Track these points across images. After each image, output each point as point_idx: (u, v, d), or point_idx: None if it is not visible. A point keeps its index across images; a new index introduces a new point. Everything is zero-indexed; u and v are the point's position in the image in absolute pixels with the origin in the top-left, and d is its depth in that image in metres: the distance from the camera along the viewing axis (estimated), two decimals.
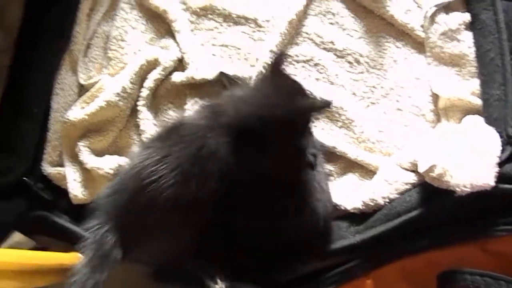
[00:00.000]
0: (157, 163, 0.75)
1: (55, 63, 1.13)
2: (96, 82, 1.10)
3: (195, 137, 0.78)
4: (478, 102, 1.00)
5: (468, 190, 0.81)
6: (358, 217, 0.97)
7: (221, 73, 1.04)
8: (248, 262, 0.90)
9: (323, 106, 0.82)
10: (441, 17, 1.06)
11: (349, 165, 1.04)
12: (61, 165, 1.07)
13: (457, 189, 0.81)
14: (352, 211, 0.97)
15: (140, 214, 0.76)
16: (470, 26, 1.05)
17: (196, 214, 0.79)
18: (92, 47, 1.16)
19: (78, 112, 1.06)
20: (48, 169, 1.07)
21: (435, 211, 0.90)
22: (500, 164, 0.84)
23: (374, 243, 0.92)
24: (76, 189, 1.03)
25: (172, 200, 0.74)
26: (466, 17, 1.05)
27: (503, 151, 0.86)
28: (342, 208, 0.98)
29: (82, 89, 1.13)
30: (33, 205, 1.04)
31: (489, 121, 0.94)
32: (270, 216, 0.87)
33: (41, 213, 1.03)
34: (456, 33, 1.05)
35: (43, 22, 1.14)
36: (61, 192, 1.06)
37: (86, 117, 1.05)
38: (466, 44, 1.04)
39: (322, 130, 1.06)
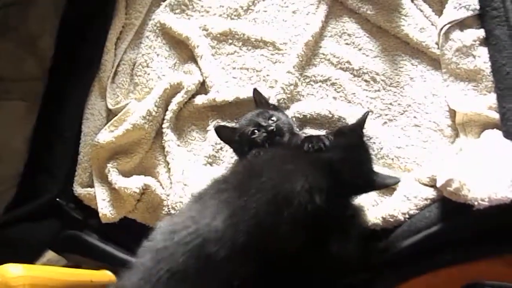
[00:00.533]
0: (233, 212, 0.76)
1: (86, 90, 1.21)
2: (123, 107, 1.16)
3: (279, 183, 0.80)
4: (496, 116, 1.00)
5: (486, 204, 0.80)
6: (379, 234, 0.97)
7: (255, 90, 1.08)
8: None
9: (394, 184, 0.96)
10: (456, 34, 1.08)
11: None
12: (91, 186, 1.13)
13: (475, 203, 0.81)
14: (372, 227, 0.98)
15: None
16: (485, 42, 1.06)
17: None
18: (119, 73, 1.23)
19: (106, 135, 1.11)
20: (79, 189, 1.13)
21: (456, 226, 0.90)
22: None
23: (396, 259, 0.93)
24: (105, 209, 1.08)
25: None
26: (481, 33, 1.06)
27: None
28: None
29: (111, 114, 1.20)
30: (65, 225, 1.09)
31: (507, 134, 0.94)
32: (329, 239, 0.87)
33: (73, 232, 1.09)
34: (471, 49, 1.06)
35: (74, 52, 1.21)
36: (91, 211, 1.11)
37: (114, 139, 1.10)
38: (481, 59, 1.05)
39: None
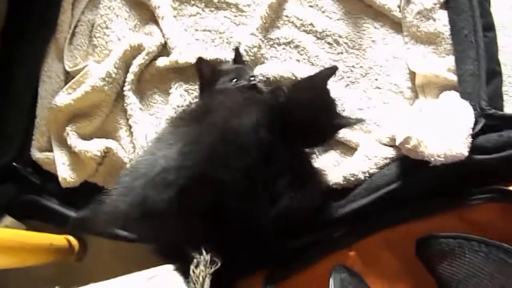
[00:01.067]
0: (191, 144, 0.79)
1: (41, 51, 1.15)
2: (82, 69, 1.12)
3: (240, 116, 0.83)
4: (454, 78, 1.02)
5: (442, 160, 0.84)
6: (340, 192, 1.00)
7: (236, 48, 1.09)
8: (243, 237, 0.89)
9: (357, 123, 1.01)
10: None
11: (331, 143, 1.07)
12: (50, 150, 1.10)
13: (432, 159, 0.84)
14: (334, 186, 1.00)
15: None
16: (445, 5, 1.08)
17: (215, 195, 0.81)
18: (77, 35, 1.18)
19: (64, 98, 1.08)
20: (37, 154, 1.09)
21: (413, 183, 0.93)
22: (474, 136, 0.87)
23: (356, 216, 0.95)
24: (64, 172, 1.05)
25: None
26: None
27: (476, 123, 0.89)
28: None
29: (69, 76, 1.15)
30: (22, 190, 1.06)
31: (464, 95, 0.97)
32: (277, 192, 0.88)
33: (31, 197, 1.06)
34: (432, 12, 1.08)
35: (29, 12, 1.16)
36: (50, 176, 1.08)
37: (73, 102, 1.07)
38: (441, 22, 1.07)
39: None
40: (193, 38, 1.15)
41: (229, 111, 0.86)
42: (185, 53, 1.11)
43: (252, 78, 1.01)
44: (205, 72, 1.04)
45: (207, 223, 0.81)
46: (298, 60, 1.12)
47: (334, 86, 1.08)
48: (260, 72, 1.09)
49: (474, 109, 0.91)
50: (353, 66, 1.11)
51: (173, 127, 0.88)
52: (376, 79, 1.10)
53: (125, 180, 0.81)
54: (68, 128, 1.07)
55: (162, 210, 0.75)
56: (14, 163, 1.06)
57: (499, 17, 1.07)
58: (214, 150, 0.79)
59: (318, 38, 1.13)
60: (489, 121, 0.90)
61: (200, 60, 1.04)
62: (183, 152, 0.77)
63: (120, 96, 1.12)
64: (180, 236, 0.81)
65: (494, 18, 1.05)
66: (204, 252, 0.79)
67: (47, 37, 1.16)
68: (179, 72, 1.12)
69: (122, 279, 0.77)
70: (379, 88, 1.09)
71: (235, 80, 0.99)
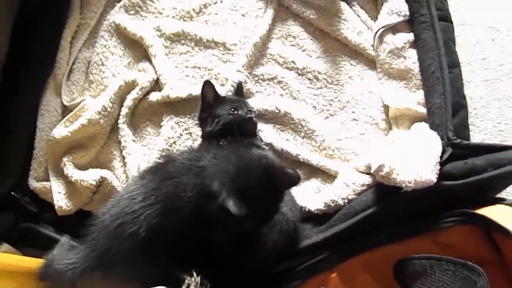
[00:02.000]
0: (147, 195, 0.85)
1: (40, 87, 1.22)
2: (79, 103, 1.19)
3: (180, 178, 0.86)
4: (424, 110, 1.11)
5: (413, 186, 0.90)
6: (321, 218, 1.05)
7: (240, 83, 1.16)
8: (224, 264, 0.94)
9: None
10: (389, 37, 1.19)
11: (312, 171, 1.14)
12: (47, 180, 1.15)
13: (403, 185, 0.90)
14: (315, 212, 1.06)
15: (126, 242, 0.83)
16: (414, 44, 1.18)
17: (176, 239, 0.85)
18: (74, 71, 1.26)
19: (62, 130, 1.14)
20: (34, 183, 1.14)
21: (387, 208, 0.99)
22: (442, 164, 0.94)
23: (336, 240, 1.00)
24: (60, 201, 1.10)
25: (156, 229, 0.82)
26: (410, 36, 1.18)
27: (444, 152, 0.96)
28: (307, 210, 1.07)
29: (66, 110, 1.22)
30: (20, 218, 1.11)
31: (432, 126, 1.05)
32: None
33: (28, 225, 1.10)
34: (402, 51, 1.18)
35: (29, 50, 1.23)
36: (47, 205, 1.13)
37: (69, 134, 1.13)
38: (411, 60, 1.17)
39: (287, 141, 1.16)
40: (183, 75, 1.23)
41: (180, 168, 0.89)
42: (176, 88, 1.19)
43: (249, 111, 1.06)
44: (208, 96, 1.07)
45: (195, 250, 0.87)
46: (281, 95, 1.20)
47: (315, 119, 1.16)
48: None
49: (442, 139, 0.99)
50: (331, 100, 1.20)
51: (138, 180, 0.91)
52: (353, 112, 1.18)
53: (92, 232, 0.87)
54: (65, 159, 1.13)
55: (127, 258, 0.82)
56: (12, 193, 1.10)
57: (464, 55, 1.17)
58: (169, 202, 0.84)
59: (299, 74, 1.22)
60: (455, 150, 0.96)
61: (206, 83, 1.07)
62: (142, 205, 0.83)
63: (114, 129, 1.19)
64: (152, 274, 0.87)
65: (459, 56, 1.13)
66: (194, 274, 0.84)
67: (46, 73, 1.23)
68: (171, 106, 1.19)
69: None
70: (356, 120, 1.18)
71: (233, 110, 1.04)
